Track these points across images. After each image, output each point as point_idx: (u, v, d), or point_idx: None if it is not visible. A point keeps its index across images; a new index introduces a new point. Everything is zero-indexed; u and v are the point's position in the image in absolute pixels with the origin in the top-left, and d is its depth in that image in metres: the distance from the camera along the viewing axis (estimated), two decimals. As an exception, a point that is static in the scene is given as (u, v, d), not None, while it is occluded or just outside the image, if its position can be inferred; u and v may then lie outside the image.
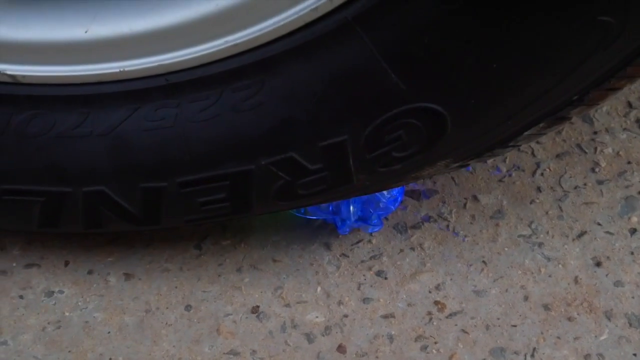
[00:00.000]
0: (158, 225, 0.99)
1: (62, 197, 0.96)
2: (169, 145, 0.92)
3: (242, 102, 0.89)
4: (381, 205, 1.06)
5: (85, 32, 0.89)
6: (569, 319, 1.00)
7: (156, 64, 0.90)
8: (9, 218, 1.01)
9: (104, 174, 0.94)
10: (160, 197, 0.95)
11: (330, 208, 1.07)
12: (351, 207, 1.06)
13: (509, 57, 0.83)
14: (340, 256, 1.07)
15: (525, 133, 0.92)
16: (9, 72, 0.91)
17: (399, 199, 1.07)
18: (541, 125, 0.91)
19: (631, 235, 1.07)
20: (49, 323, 1.02)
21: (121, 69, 0.90)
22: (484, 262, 1.06)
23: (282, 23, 0.85)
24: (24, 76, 0.92)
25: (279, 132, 0.90)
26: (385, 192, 1.05)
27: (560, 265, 1.05)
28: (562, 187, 1.13)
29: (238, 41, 0.87)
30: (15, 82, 0.92)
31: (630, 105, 1.21)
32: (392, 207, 1.06)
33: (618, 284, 1.03)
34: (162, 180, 0.94)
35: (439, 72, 0.85)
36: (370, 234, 1.09)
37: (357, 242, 1.08)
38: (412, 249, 1.08)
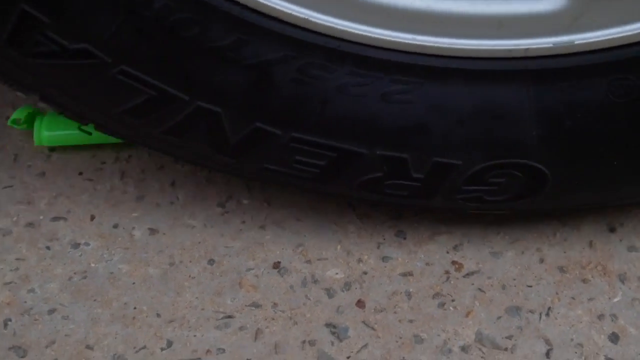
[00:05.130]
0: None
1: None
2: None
3: (395, 94, 0.92)
4: None
5: None
6: (584, 280, 1.03)
7: None
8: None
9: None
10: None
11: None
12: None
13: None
14: (360, 217, 1.10)
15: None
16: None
17: None
18: None
19: (645, 203, 1.10)
20: (75, 273, 1.05)
21: None
22: (500, 225, 1.08)
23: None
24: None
25: (410, 133, 0.93)
26: None
27: (575, 230, 1.08)
28: (578, 156, 1.16)
29: None
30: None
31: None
32: None
33: (632, 249, 1.05)
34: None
35: (574, 147, 0.89)
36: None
37: (378, 204, 1.11)
38: (431, 211, 1.10)
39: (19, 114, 1.14)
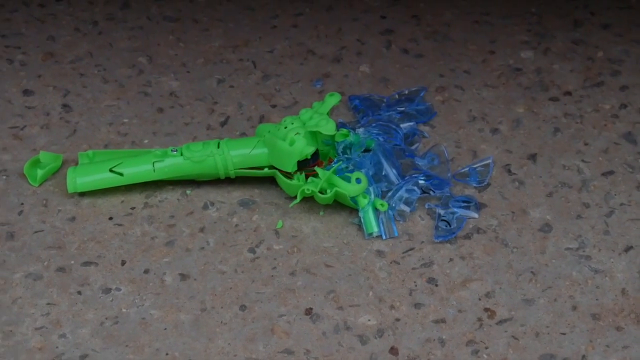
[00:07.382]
0: None
1: None
2: None
3: None
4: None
5: None
6: (618, 328, 1.02)
7: None
8: None
9: None
10: None
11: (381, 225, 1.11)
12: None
13: None
14: (391, 263, 1.10)
15: None
16: None
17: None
18: None
19: (677, 251, 1.10)
20: (106, 318, 1.05)
21: None
22: (532, 272, 1.08)
23: None
24: None
25: None
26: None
27: (607, 278, 1.08)
28: (607, 203, 1.16)
29: None
30: None
31: (672, 129, 1.24)
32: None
33: (665, 297, 1.05)
34: None
35: None
36: (421, 243, 1.11)
37: (408, 251, 1.11)
38: (462, 258, 1.10)
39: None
